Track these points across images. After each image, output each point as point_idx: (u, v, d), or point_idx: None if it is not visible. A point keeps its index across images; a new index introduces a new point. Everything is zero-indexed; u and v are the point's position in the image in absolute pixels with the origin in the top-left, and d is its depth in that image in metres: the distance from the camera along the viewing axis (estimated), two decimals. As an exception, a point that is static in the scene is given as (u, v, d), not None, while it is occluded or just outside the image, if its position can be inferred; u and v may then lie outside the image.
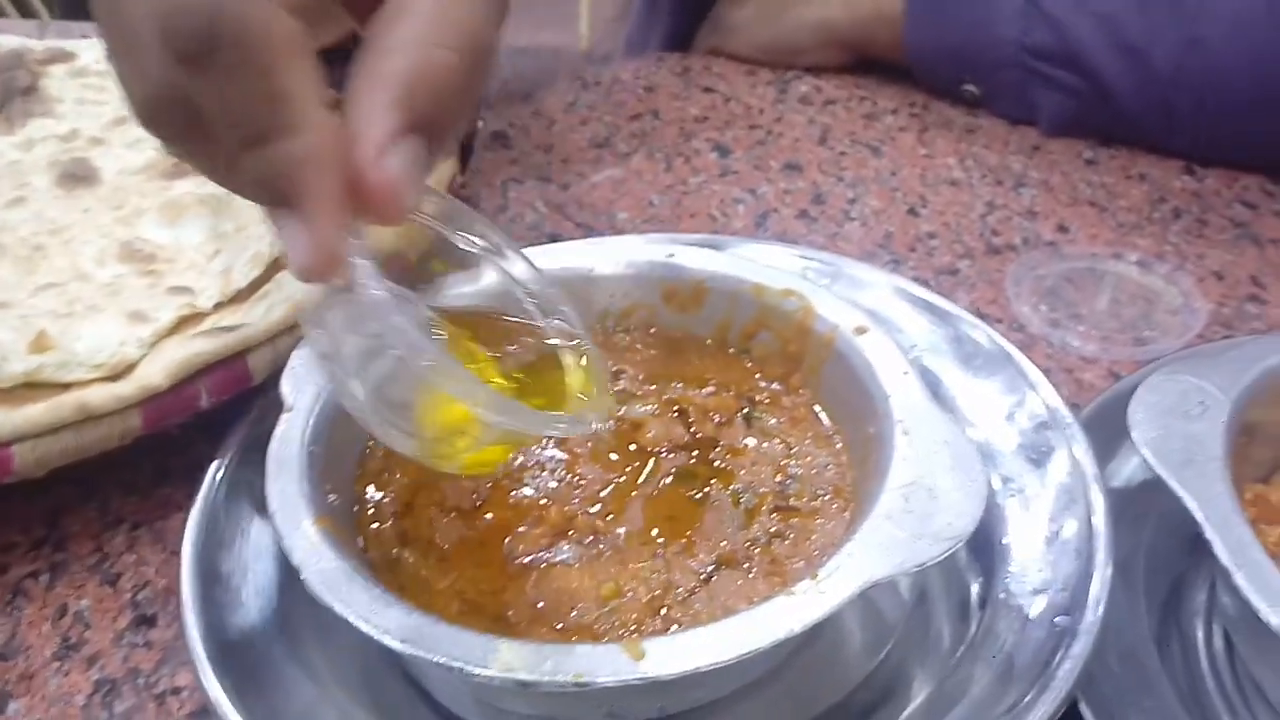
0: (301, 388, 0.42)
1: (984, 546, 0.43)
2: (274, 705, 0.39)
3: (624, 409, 0.46)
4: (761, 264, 0.48)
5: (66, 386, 0.48)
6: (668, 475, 0.43)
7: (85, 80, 0.71)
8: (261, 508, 0.39)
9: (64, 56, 0.73)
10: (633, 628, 0.38)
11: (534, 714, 0.40)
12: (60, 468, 0.47)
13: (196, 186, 0.60)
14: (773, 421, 0.45)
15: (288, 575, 0.41)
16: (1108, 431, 0.46)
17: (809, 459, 0.44)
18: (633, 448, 0.44)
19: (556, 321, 0.41)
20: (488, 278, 0.41)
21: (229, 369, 0.49)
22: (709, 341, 0.49)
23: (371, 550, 0.41)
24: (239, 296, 0.53)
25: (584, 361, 0.41)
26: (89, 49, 0.73)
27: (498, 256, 0.41)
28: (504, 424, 0.35)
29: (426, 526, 0.42)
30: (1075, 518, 0.42)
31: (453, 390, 0.34)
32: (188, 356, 0.48)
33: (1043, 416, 0.46)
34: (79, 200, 0.61)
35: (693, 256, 0.49)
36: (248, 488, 0.45)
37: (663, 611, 0.38)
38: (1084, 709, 0.38)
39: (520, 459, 0.44)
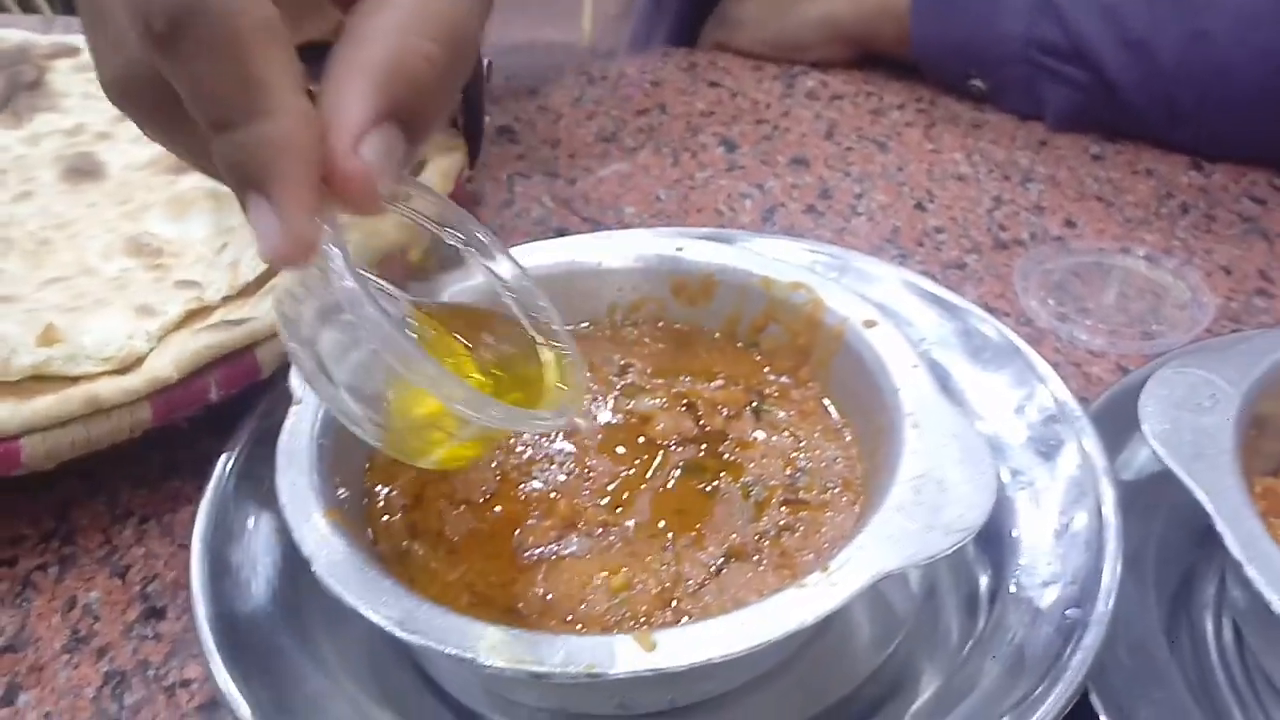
0: (310, 381, 0.42)
1: (994, 539, 0.43)
2: (284, 696, 0.39)
3: (632, 402, 0.46)
4: (770, 257, 0.48)
5: (75, 380, 0.48)
6: (676, 468, 0.43)
7: (91, 75, 0.70)
8: (270, 500, 0.39)
9: (69, 51, 0.73)
10: (643, 620, 0.38)
11: (544, 705, 0.40)
12: (69, 461, 0.47)
13: (203, 181, 0.60)
14: (782, 414, 0.45)
15: (297, 567, 0.41)
16: (1116, 425, 0.46)
17: (818, 452, 0.44)
18: (641, 440, 0.44)
19: (535, 318, 0.41)
20: (471, 275, 0.41)
21: (237, 362, 0.49)
22: (718, 335, 0.49)
23: (381, 543, 0.41)
24: (246, 290, 0.53)
25: (562, 358, 0.40)
26: (95, 44, 0.73)
27: (483, 255, 0.40)
28: (473, 418, 0.35)
29: (436, 519, 0.42)
30: (1085, 510, 0.42)
31: (424, 384, 0.34)
32: (197, 349, 0.48)
33: (1052, 410, 0.46)
34: (84, 195, 0.61)
35: (701, 250, 0.49)
36: (256, 481, 0.45)
37: (673, 604, 0.38)
38: (1095, 700, 0.38)
39: (529, 452, 0.44)
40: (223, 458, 0.46)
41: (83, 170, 0.62)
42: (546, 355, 0.41)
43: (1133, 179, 0.72)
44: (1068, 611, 0.39)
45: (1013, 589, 0.41)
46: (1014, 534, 0.43)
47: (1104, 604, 0.38)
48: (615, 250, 0.49)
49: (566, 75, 0.85)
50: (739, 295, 0.48)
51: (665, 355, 0.48)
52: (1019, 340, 0.49)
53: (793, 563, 0.40)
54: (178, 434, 0.50)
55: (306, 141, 0.32)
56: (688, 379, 0.47)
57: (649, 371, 0.48)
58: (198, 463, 0.47)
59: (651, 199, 0.71)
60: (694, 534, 0.41)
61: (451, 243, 0.40)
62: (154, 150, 0.63)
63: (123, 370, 0.48)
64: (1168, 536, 0.45)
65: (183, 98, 0.32)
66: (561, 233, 0.67)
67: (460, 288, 0.42)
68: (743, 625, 0.34)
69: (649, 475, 0.43)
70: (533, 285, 0.41)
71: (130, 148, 0.64)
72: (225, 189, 0.34)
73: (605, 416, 0.45)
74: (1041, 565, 0.41)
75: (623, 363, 0.48)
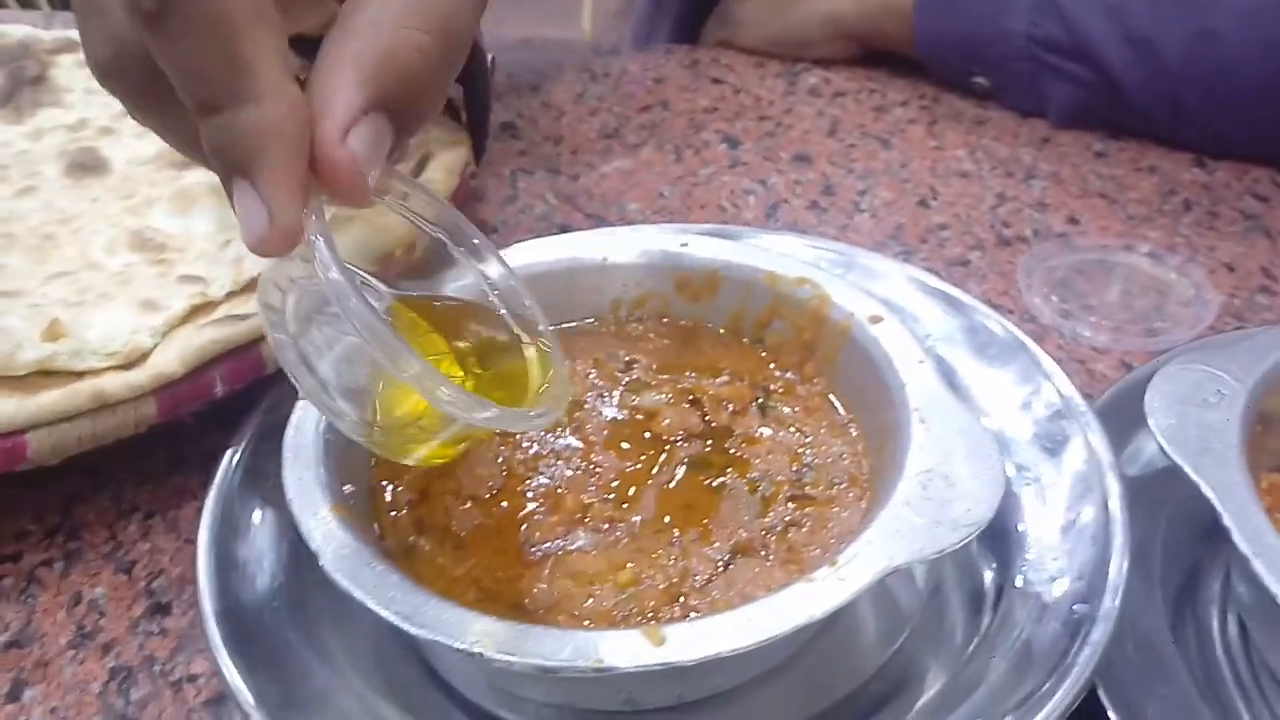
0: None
1: (1000, 535, 0.43)
2: (290, 691, 0.39)
3: (638, 398, 0.46)
4: (775, 253, 0.48)
5: (80, 375, 0.47)
6: (682, 464, 0.43)
7: (94, 70, 0.71)
8: (276, 496, 0.39)
9: (72, 46, 0.73)
10: (650, 615, 0.38)
11: (551, 701, 0.40)
12: (74, 456, 0.47)
13: (207, 176, 0.60)
14: (787, 410, 0.45)
15: (303, 562, 0.41)
16: (1121, 421, 0.46)
17: (824, 448, 0.44)
18: (647, 436, 0.44)
19: (521, 317, 0.41)
20: (462, 276, 0.41)
21: (242, 357, 0.49)
22: (722, 330, 0.49)
23: (388, 538, 0.41)
24: (251, 285, 0.53)
25: (546, 358, 0.40)
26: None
27: (475, 258, 0.40)
28: (457, 415, 0.35)
29: (443, 514, 0.42)
30: (1092, 505, 0.42)
31: (409, 380, 0.33)
32: (202, 344, 0.48)
33: (1057, 405, 0.46)
34: (88, 190, 0.61)
35: (706, 245, 0.49)
36: (262, 476, 0.45)
37: (681, 599, 0.38)
38: (1102, 696, 0.38)
39: (535, 448, 0.44)
40: (228, 453, 0.46)
41: (86, 165, 0.62)
42: (530, 354, 0.41)
43: (1136, 176, 0.72)
44: (1075, 607, 0.39)
45: (1019, 584, 0.41)
46: (1020, 529, 0.43)
47: (1111, 599, 0.38)
48: (619, 246, 0.49)
49: (569, 72, 0.85)
50: (744, 291, 0.48)
51: (670, 351, 0.48)
52: (1024, 336, 0.49)
53: (800, 558, 0.40)
54: (183, 429, 0.50)
55: (294, 128, 0.32)
56: (693, 375, 0.47)
57: (654, 367, 0.48)
58: (203, 458, 0.47)
59: (654, 195, 0.71)
60: (700, 529, 0.41)
61: (445, 244, 0.40)
62: (158, 145, 0.63)
63: (128, 365, 0.48)
64: (1173, 532, 0.45)
65: (171, 79, 0.32)
66: (565, 229, 0.67)
67: (450, 288, 0.42)
68: (751, 620, 0.34)
69: (655, 471, 0.43)
70: (520, 285, 0.41)
71: (134, 143, 0.64)
72: None
73: (610, 412, 0.45)
74: (1048, 560, 0.41)
75: (628, 358, 0.48)
